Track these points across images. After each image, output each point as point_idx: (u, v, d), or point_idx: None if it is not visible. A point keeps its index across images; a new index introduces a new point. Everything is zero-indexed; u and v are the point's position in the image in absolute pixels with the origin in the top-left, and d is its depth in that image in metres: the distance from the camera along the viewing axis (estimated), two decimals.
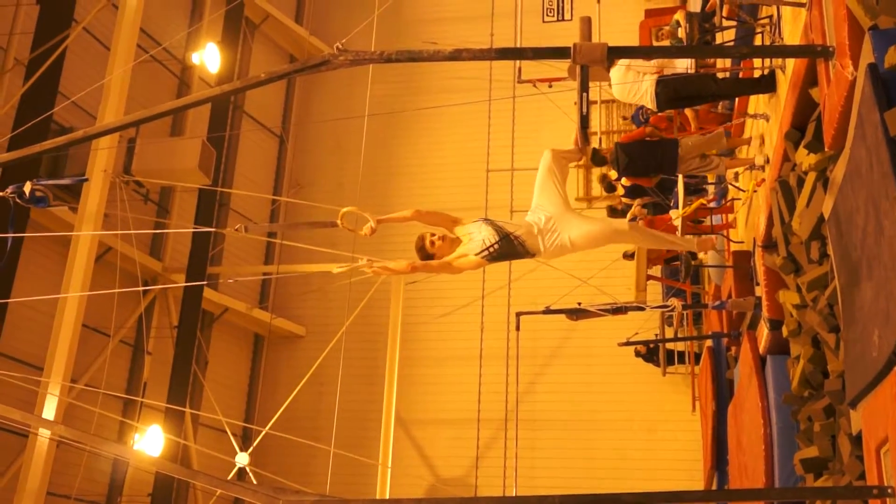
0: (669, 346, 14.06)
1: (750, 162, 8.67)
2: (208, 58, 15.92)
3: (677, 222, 9.60)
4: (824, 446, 5.52)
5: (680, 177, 9.71)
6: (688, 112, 10.46)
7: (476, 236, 5.53)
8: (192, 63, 16.22)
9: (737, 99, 9.46)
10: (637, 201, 11.63)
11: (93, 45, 14.17)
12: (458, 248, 5.57)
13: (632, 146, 8.98)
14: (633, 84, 8.69)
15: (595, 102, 15.91)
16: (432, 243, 5.57)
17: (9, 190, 5.80)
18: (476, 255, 5.49)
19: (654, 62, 8.98)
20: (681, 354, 14.36)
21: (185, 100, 5.49)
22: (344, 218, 5.59)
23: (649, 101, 8.71)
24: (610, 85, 9.22)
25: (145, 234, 14.75)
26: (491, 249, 5.47)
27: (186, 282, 14.55)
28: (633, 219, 11.27)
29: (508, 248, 5.50)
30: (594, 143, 13.98)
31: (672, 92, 8.50)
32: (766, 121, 8.25)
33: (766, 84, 7.95)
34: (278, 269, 16.97)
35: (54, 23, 12.40)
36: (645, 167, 9.08)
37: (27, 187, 5.78)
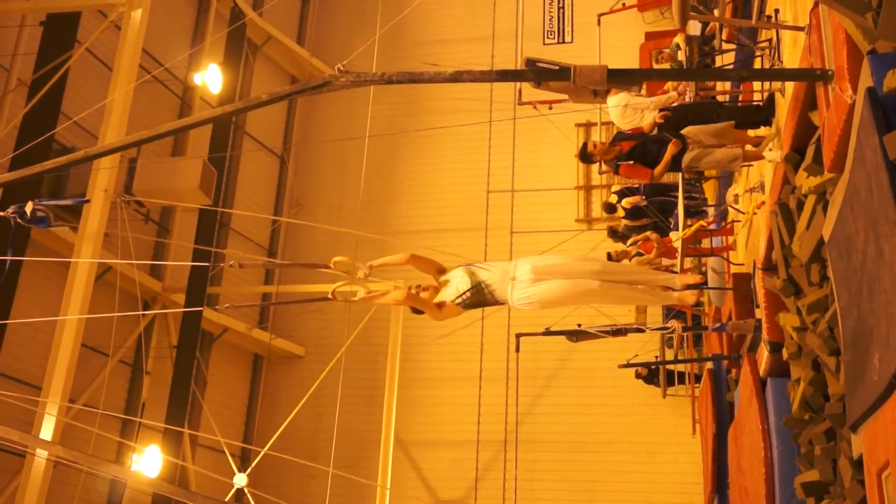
0: (670, 367, 14.02)
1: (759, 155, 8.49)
2: (210, 78, 16.01)
3: (677, 244, 9.60)
4: (825, 470, 5.49)
5: (680, 199, 9.72)
6: None
7: (453, 283, 5.54)
8: (194, 83, 16.30)
9: None
10: (633, 245, 11.59)
11: (95, 65, 14.24)
12: (439, 294, 5.58)
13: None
14: (632, 111, 8.69)
15: (595, 124, 15.99)
16: (416, 293, 5.58)
17: (10, 210, 5.81)
18: (452, 301, 5.51)
19: (652, 100, 8.93)
20: (681, 376, 14.32)
21: (187, 120, 5.51)
22: (336, 264, 5.62)
23: (650, 128, 8.70)
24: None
25: (145, 254, 14.75)
26: (464, 297, 5.48)
27: (186, 300, 14.57)
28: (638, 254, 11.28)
29: (479, 296, 5.49)
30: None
31: (675, 120, 8.51)
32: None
33: (768, 112, 7.97)
34: (278, 290, 16.96)
35: (57, 43, 12.48)
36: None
37: (28, 207, 5.79)
